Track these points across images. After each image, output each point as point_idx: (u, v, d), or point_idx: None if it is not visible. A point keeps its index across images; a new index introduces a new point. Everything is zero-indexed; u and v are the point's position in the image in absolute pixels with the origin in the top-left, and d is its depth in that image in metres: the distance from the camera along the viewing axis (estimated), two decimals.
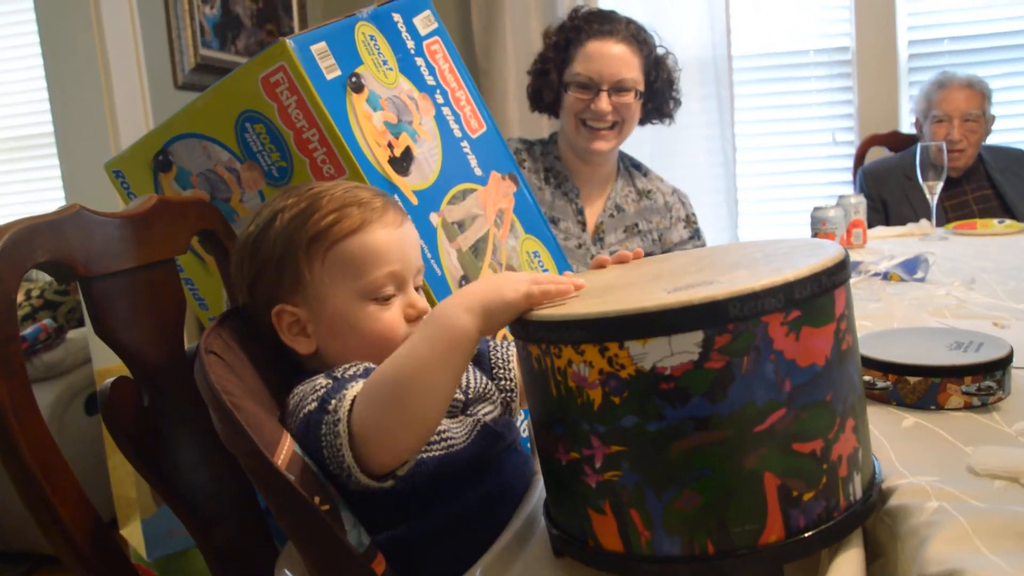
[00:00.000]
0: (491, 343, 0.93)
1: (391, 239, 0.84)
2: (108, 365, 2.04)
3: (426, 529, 0.77)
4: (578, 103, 1.82)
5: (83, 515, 0.80)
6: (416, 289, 0.87)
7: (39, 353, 2.56)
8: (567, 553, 0.68)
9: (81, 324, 2.78)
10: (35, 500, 0.77)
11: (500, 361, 0.91)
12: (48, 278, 3.00)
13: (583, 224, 1.88)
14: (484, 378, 0.87)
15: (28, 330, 2.60)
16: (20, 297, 2.93)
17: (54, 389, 2.53)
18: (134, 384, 0.89)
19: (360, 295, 0.82)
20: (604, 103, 1.79)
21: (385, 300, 0.83)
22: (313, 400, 0.74)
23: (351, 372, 0.77)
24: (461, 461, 0.78)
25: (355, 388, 0.72)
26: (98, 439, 2.22)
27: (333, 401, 0.72)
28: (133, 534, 1.93)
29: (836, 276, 0.61)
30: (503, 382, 0.90)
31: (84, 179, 2.10)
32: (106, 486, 2.10)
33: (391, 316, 0.83)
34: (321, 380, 0.77)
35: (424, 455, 0.76)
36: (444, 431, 0.78)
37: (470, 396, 0.83)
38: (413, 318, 0.84)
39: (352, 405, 0.71)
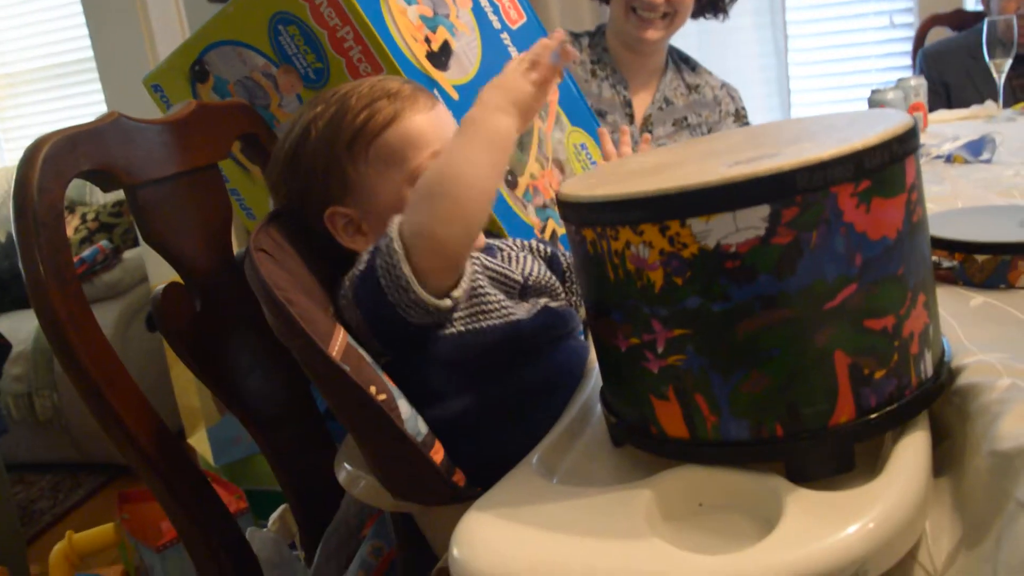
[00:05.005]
0: (560, 252, 0.93)
1: (426, 122, 0.83)
2: (165, 281, 2.07)
3: (482, 409, 0.78)
4: None
5: (147, 422, 0.81)
6: None
7: (99, 274, 2.61)
8: (628, 442, 0.66)
9: (136, 244, 2.82)
10: (99, 408, 0.79)
11: (572, 267, 0.91)
12: (102, 201, 3.04)
13: (631, 116, 1.83)
14: (550, 274, 0.87)
15: (86, 252, 2.65)
16: (76, 221, 2.98)
17: (115, 308, 2.60)
18: (185, 290, 0.89)
19: (408, 181, 0.82)
20: None
21: None
22: (364, 259, 0.76)
23: None
24: (523, 334, 0.79)
25: (398, 217, 0.74)
26: (160, 353, 2.28)
27: (383, 240, 0.74)
28: (200, 443, 1.99)
29: (907, 144, 0.57)
30: (572, 285, 0.91)
31: (127, 99, 2.09)
32: (171, 398, 2.16)
33: None
34: (371, 246, 0.78)
35: (484, 323, 0.77)
36: (503, 302, 0.79)
37: (530, 283, 0.84)
38: None
39: (400, 226, 0.73)
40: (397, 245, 0.71)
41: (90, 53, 2.28)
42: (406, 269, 0.70)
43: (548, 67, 0.74)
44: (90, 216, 2.99)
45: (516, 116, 0.71)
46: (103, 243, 2.73)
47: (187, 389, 2.05)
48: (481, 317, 0.76)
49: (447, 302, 0.73)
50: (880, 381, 0.57)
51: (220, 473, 1.87)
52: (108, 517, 1.88)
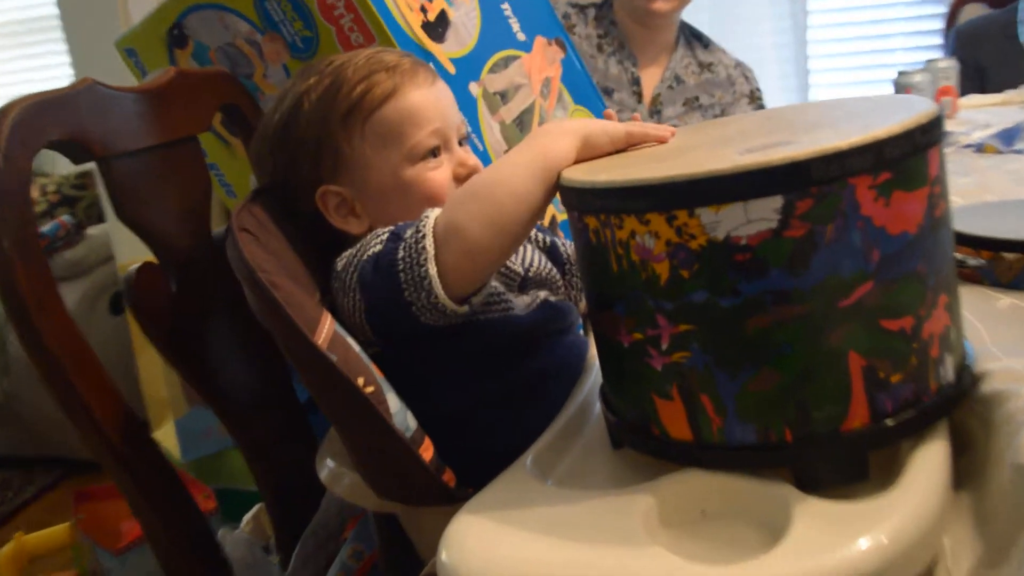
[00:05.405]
0: (561, 241, 0.94)
1: (427, 98, 0.85)
2: (132, 260, 2.07)
3: (475, 406, 0.80)
4: None
5: (115, 411, 0.82)
6: (461, 144, 0.89)
7: (60, 251, 2.61)
8: (628, 443, 0.68)
9: (101, 220, 2.82)
10: (65, 395, 0.79)
11: (573, 258, 0.92)
12: (64, 172, 3.03)
13: (639, 95, 1.84)
14: (551, 266, 0.89)
15: (46, 227, 2.64)
16: (35, 193, 2.98)
17: (77, 288, 2.59)
18: (161, 270, 0.90)
19: (406, 159, 0.84)
20: None
21: (433, 157, 0.85)
22: (378, 243, 0.77)
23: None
24: (520, 329, 0.80)
25: (436, 211, 0.74)
26: (126, 339, 2.28)
27: (410, 230, 0.74)
28: (166, 436, 2.00)
29: (930, 134, 0.58)
30: (572, 278, 0.91)
31: (95, 61, 2.08)
32: (136, 388, 2.16)
33: (442, 175, 0.85)
34: (381, 230, 0.79)
35: (482, 317, 0.77)
36: (502, 294, 0.80)
37: (530, 274, 0.85)
38: (464, 176, 0.86)
39: (435, 222, 0.73)
40: (429, 243, 0.71)
41: (55, 10, 2.27)
42: (432, 269, 0.71)
43: (647, 134, 0.74)
44: (50, 188, 2.98)
45: (578, 143, 0.71)
46: (64, 218, 2.72)
47: (154, 378, 2.05)
48: (479, 311, 0.77)
49: (464, 308, 0.74)
50: (897, 385, 0.58)
51: (187, 470, 1.88)
52: (62, 517, 1.88)
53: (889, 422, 0.58)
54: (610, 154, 0.73)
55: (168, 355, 0.90)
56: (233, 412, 0.95)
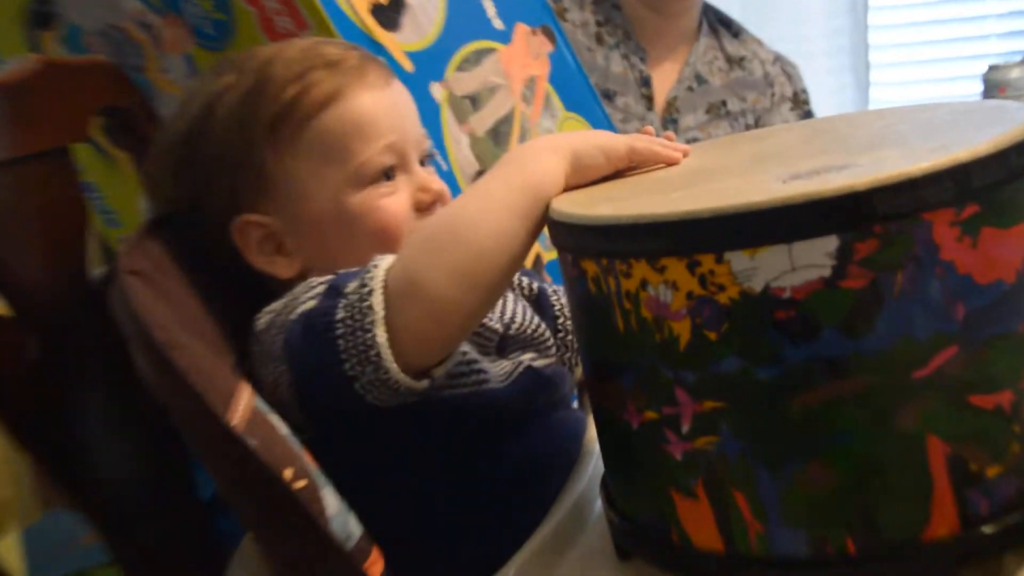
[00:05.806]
0: (551, 288, 0.95)
1: (379, 103, 0.86)
2: None
3: (438, 505, 0.80)
4: None
5: None
6: (423, 164, 0.89)
7: None
8: (637, 553, 0.68)
9: None
10: None
11: (567, 310, 0.92)
12: None
13: (649, 99, 1.86)
14: (538, 320, 0.90)
15: None
16: None
17: None
18: (17, 327, 0.89)
19: (351, 182, 0.84)
20: None
21: (387, 180, 0.85)
22: (311, 298, 0.76)
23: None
24: (497, 403, 0.81)
25: (388, 259, 0.74)
26: None
27: (353, 283, 0.73)
28: (8, 551, 1.96)
29: None
30: (567, 336, 0.92)
31: None
32: None
33: (397, 203, 0.85)
34: (315, 280, 0.79)
35: (447, 392, 0.77)
36: (474, 361, 0.80)
37: (511, 332, 0.86)
38: (427, 204, 0.86)
39: (387, 273, 0.72)
40: (377, 300, 0.71)
41: None
42: (382, 336, 0.70)
43: (655, 153, 0.75)
44: None
45: (567, 163, 0.72)
46: None
47: None
48: (444, 385, 0.77)
49: (423, 383, 0.73)
50: (994, 481, 0.58)
51: None
52: None
53: (986, 529, 0.58)
54: (608, 177, 0.74)
55: (23, 440, 0.89)
56: (109, 516, 0.94)
